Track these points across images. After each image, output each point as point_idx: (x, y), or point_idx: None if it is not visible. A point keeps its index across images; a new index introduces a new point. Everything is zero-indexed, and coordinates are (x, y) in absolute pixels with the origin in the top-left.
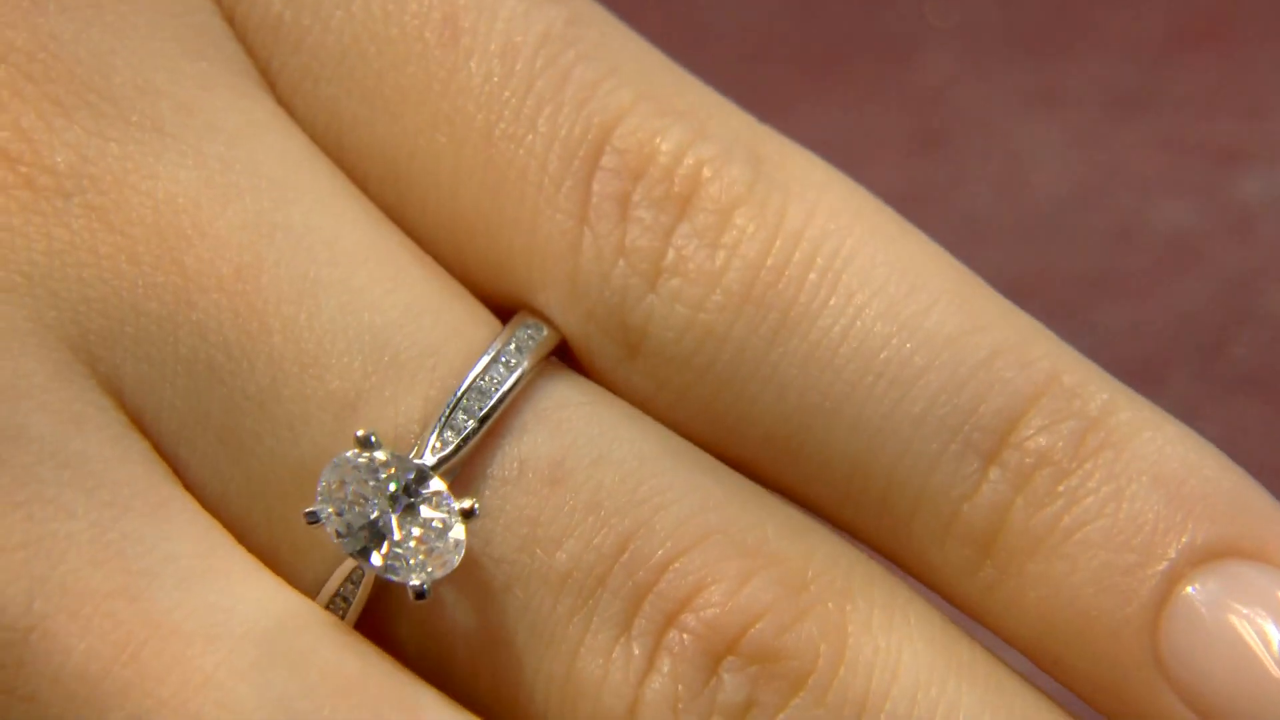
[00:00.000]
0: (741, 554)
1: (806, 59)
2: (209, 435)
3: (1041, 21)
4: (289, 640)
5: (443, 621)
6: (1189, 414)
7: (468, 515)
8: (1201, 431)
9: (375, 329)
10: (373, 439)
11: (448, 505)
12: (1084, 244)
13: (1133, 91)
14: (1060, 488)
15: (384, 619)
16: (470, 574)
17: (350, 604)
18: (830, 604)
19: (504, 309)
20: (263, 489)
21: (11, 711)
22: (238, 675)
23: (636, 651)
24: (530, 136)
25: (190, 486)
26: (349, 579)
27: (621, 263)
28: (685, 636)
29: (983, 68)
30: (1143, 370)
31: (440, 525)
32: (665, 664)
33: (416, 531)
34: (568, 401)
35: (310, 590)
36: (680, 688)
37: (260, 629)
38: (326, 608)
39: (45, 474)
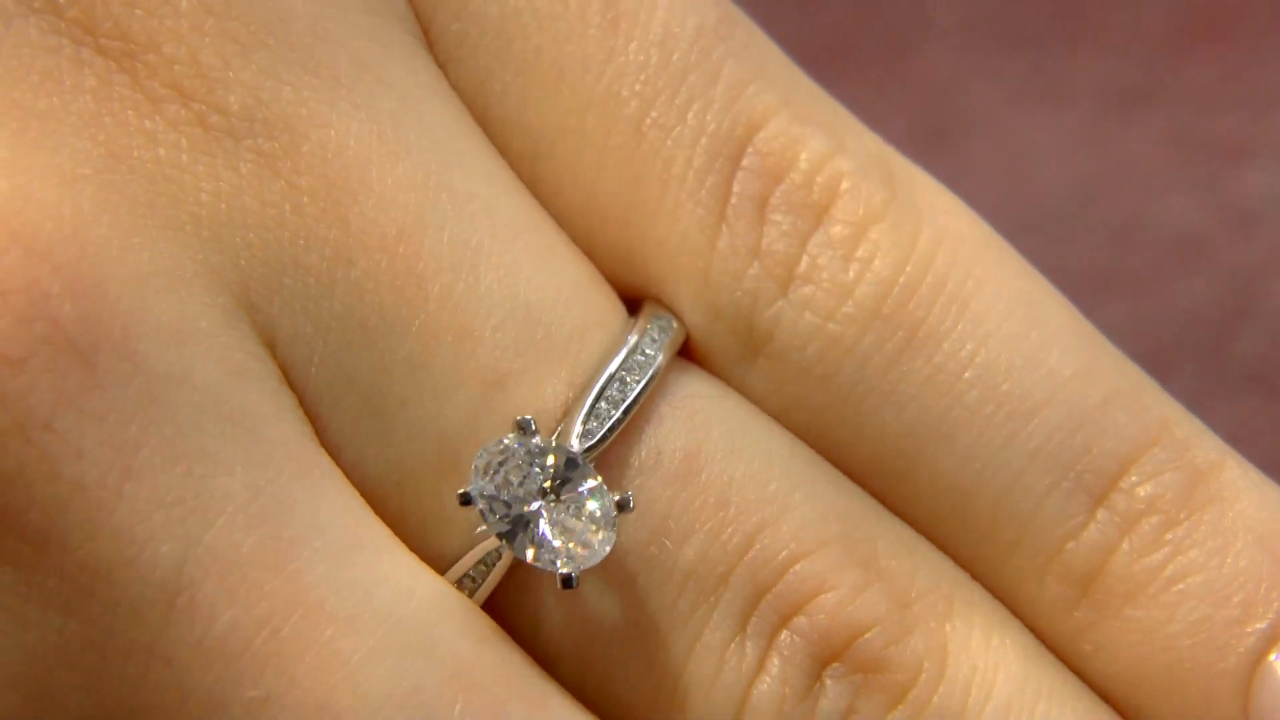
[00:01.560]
0: (857, 564)
1: (808, 53)
2: (354, 397)
3: (1044, 17)
4: (427, 629)
5: (561, 610)
6: (1193, 410)
7: (621, 507)
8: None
9: (529, 306)
10: (532, 424)
11: (602, 495)
12: (1087, 240)
13: (1136, 87)
14: (1167, 536)
15: (502, 603)
16: (600, 563)
17: (479, 585)
18: (934, 622)
19: (625, 297)
20: (401, 457)
21: (148, 671)
22: (373, 661)
23: (750, 651)
24: (679, 129)
25: (327, 448)
26: (482, 561)
27: (756, 264)
28: (796, 639)
29: (985, 63)
30: (1147, 367)
31: (593, 515)
32: (775, 665)
33: (569, 521)
34: (699, 394)
35: (438, 564)
36: (787, 690)
37: (399, 614)
38: (455, 585)
39: (207, 426)
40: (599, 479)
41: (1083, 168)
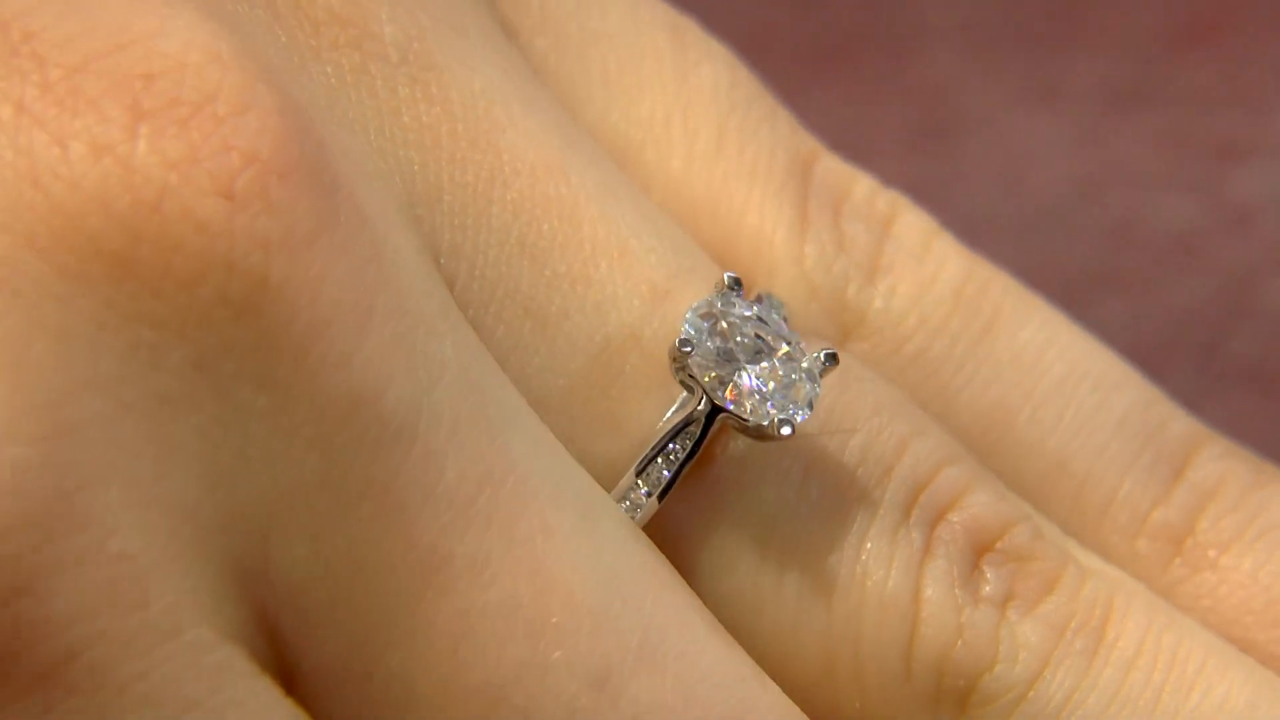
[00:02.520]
0: (991, 481)
1: (808, 53)
2: (516, 309)
3: (1042, 18)
4: (614, 530)
5: (743, 499)
6: (1189, 409)
7: (830, 361)
8: None
9: (673, 238)
10: (739, 284)
11: (807, 352)
12: (1084, 240)
13: (1133, 88)
14: (1253, 497)
15: (669, 514)
16: (774, 450)
17: (639, 508)
18: (1059, 537)
19: None
20: (565, 365)
21: (382, 516)
22: (579, 537)
23: (916, 538)
24: (754, 143)
25: None
26: (637, 484)
27: (843, 256)
28: (956, 528)
29: (984, 64)
30: (1143, 365)
31: (801, 367)
32: (940, 550)
33: (777, 368)
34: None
35: (602, 474)
36: (955, 571)
37: (595, 505)
38: (632, 487)
39: (420, 294)
40: (801, 339)
41: (1080, 168)
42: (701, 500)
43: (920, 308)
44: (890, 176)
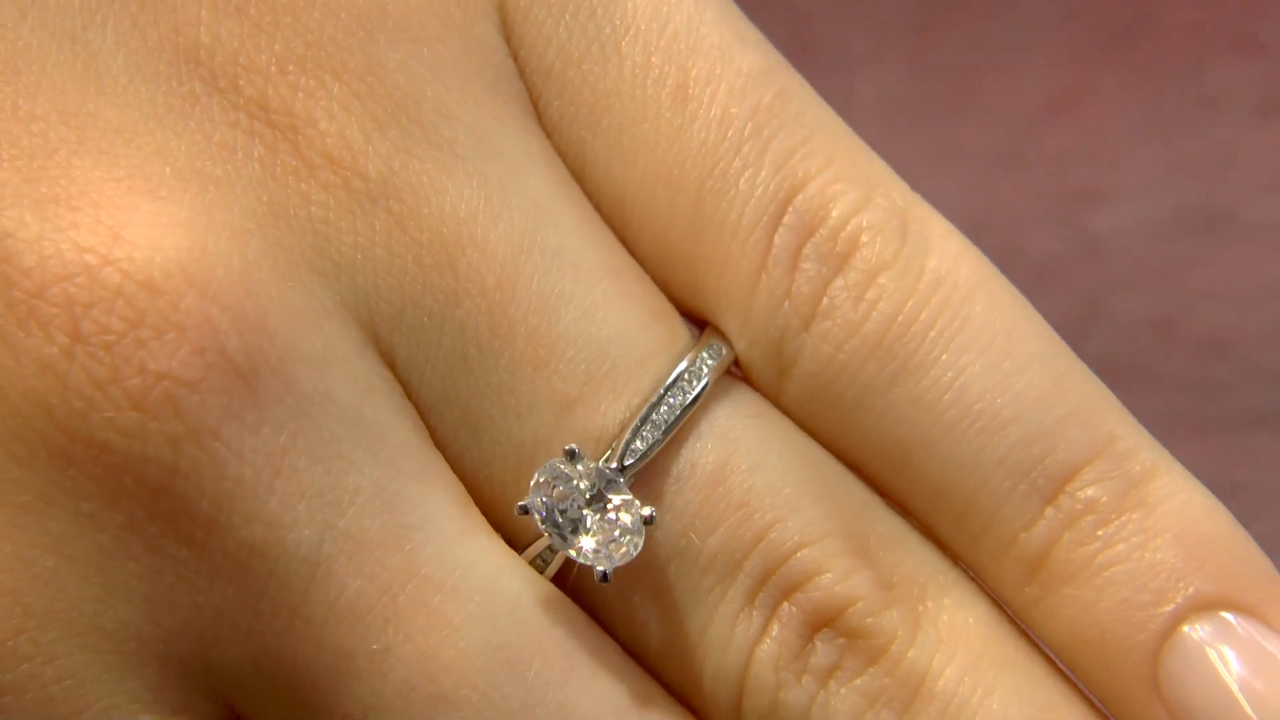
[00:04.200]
0: (851, 554)
1: None
2: (455, 412)
3: (942, 92)
4: (513, 598)
5: (611, 588)
6: None
7: (648, 521)
8: None
9: (601, 342)
10: (576, 451)
11: (633, 509)
12: None
13: (1011, 148)
14: (1100, 532)
15: (567, 576)
16: (644, 550)
17: (548, 564)
18: (910, 602)
19: (696, 320)
20: (490, 460)
21: (292, 627)
22: (471, 623)
23: (755, 618)
24: (732, 192)
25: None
26: (549, 547)
27: (787, 304)
28: (794, 609)
29: (897, 130)
30: None
31: (625, 524)
32: (775, 629)
33: (606, 528)
34: (736, 414)
35: (516, 547)
36: (783, 649)
37: (492, 586)
38: (531, 562)
39: (343, 434)
40: (630, 495)
41: (970, 210)
42: (588, 578)
43: (842, 355)
44: None
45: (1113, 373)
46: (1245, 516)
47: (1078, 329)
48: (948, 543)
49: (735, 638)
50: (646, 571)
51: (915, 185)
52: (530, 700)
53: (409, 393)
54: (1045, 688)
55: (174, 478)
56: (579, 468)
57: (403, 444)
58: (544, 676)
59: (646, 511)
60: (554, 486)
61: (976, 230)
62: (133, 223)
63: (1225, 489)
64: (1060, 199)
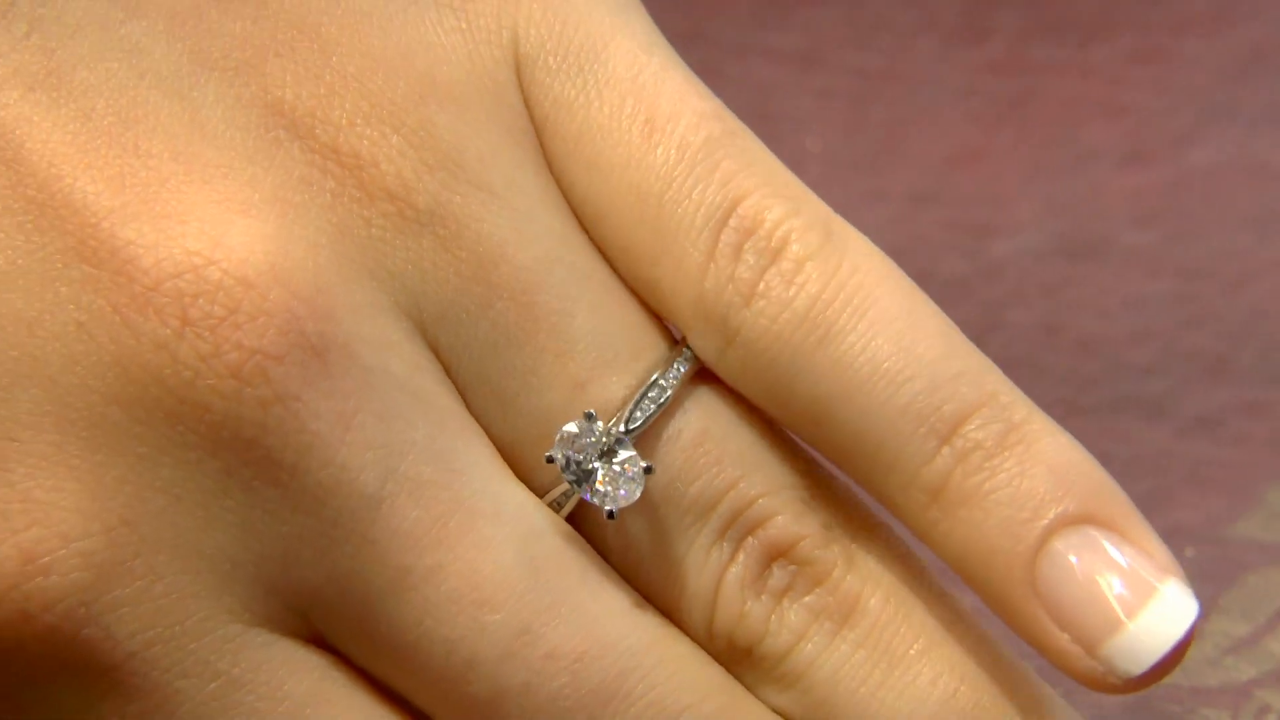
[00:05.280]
0: (799, 502)
1: None
2: (487, 390)
3: (873, 146)
4: (538, 525)
5: (613, 525)
6: None
7: (647, 472)
8: None
9: (608, 335)
10: (593, 415)
11: (635, 463)
12: None
13: (928, 190)
14: (986, 464)
15: (578, 517)
16: (637, 501)
17: (563, 507)
18: (845, 542)
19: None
20: (515, 428)
21: (362, 551)
22: (507, 543)
23: (725, 550)
24: (687, 201)
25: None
26: (565, 493)
27: (730, 287)
28: (755, 543)
29: (838, 176)
30: None
31: (629, 475)
32: (740, 558)
33: (614, 476)
34: (713, 394)
35: (538, 494)
36: (746, 573)
37: (521, 516)
38: (549, 505)
39: (399, 400)
40: (634, 452)
41: (896, 240)
42: (595, 518)
43: (776, 326)
44: None
45: (1007, 368)
46: (1115, 481)
47: (980, 335)
48: (864, 480)
49: (709, 564)
50: (642, 511)
51: (851, 219)
52: (554, 601)
53: (449, 374)
54: (950, 608)
55: (263, 432)
56: (595, 429)
57: (446, 409)
58: (564, 583)
59: (645, 465)
60: (574, 442)
61: (899, 255)
62: (230, 234)
63: (1098, 459)
64: (966, 230)
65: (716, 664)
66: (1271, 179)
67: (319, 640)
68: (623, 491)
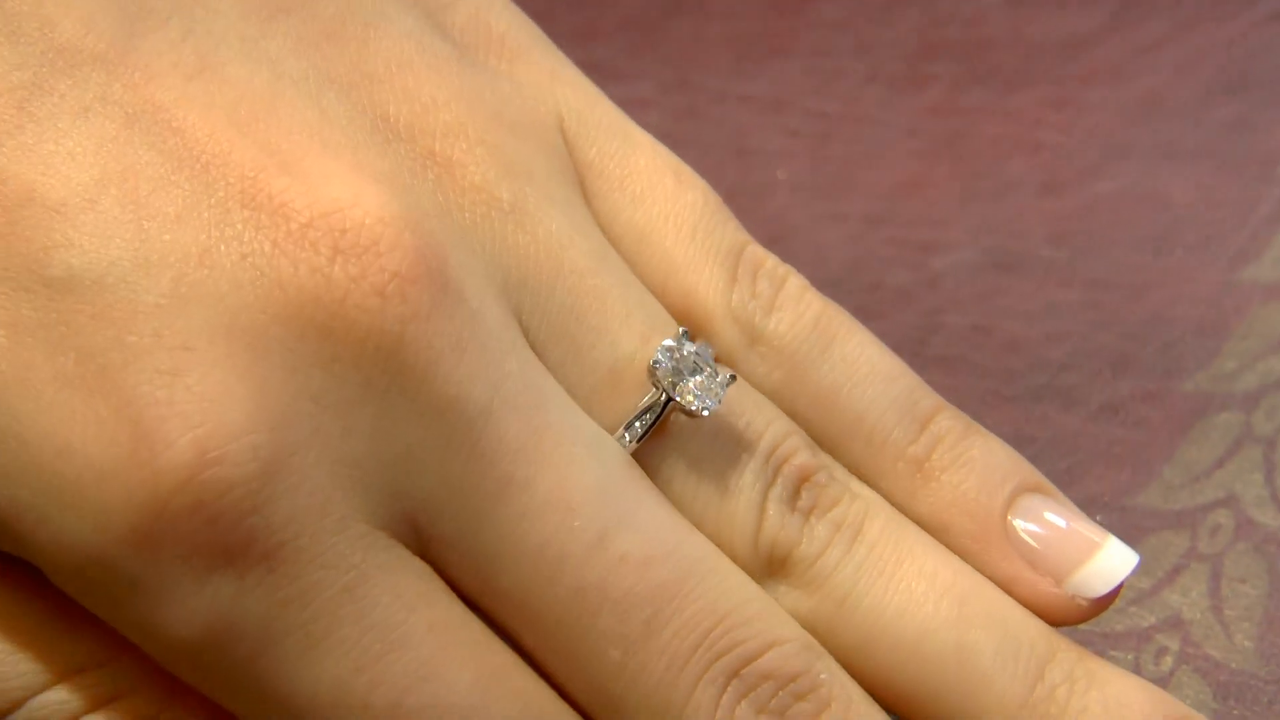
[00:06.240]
0: (811, 449)
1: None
2: (565, 343)
3: (834, 177)
4: (612, 451)
5: (677, 452)
6: None
7: (731, 379)
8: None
9: (655, 310)
10: (686, 331)
11: (721, 372)
12: (853, 299)
13: (878, 213)
14: (959, 444)
15: (640, 455)
16: (699, 423)
17: (636, 439)
18: (847, 480)
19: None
20: (592, 371)
21: (471, 460)
22: (588, 459)
23: (768, 473)
24: (714, 235)
25: None
26: (630, 425)
27: (753, 301)
28: (788, 470)
29: (802, 201)
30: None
31: (717, 381)
32: (778, 480)
33: (705, 382)
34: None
35: (608, 426)
36: (784, 492)
37: (599, 440)
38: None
39: (495, 337)
40: (716, 366)
41: (851, 256)
42: (660, 445)
43: (793, 330)
44: None
45: (946, 364)
46: (1036, 460)
47: (923, 336)
48: (859, 455)
49: (758, 484)
50: (701, 437)
51: (814, 237)
52: (625, 513)
53: (529, 336)
54: (924, 536)
55: (400, 345)
56: (686, 345)
57: (530, 355)
58: (632, 501)
59: (729, 373)
60: (673, 352)
61: (855, 268)
62: (365, 191)
63: (1023, 441)
64: (910, 247)
65: (754, 581)
66: (1164, 206)
67: (424, 555)
68: (712, 394)
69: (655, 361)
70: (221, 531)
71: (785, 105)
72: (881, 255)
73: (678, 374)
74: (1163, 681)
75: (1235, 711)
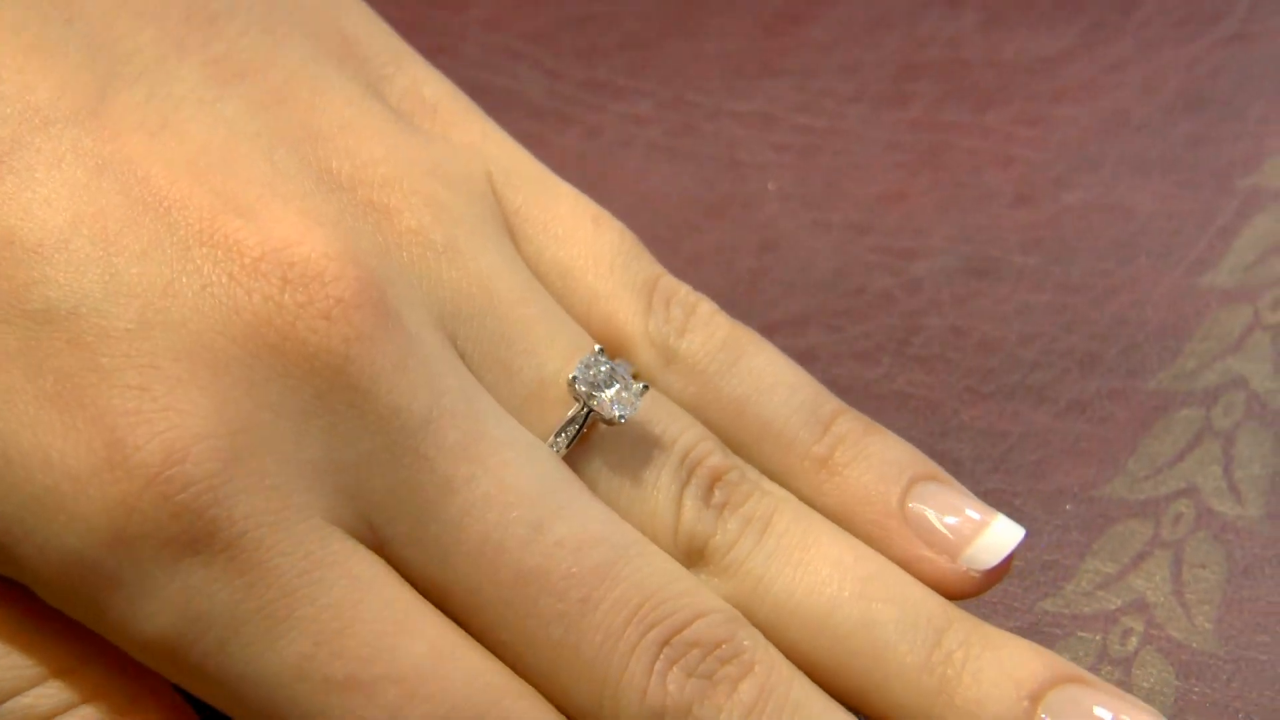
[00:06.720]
0: (724, 453)
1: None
2: (497, 366)
3: (820, 187)
4: (546, 455)
5: (601, 455)
6: (888, 382)
7: (644, 389)
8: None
9: (576, 333)
10: (602, 349)
11: (635, 384)
12: (840, 300)
13: (862, 223)
14: (860, 442)
15: (570, 460)
16: (619, 430)
17: (564, 446)
18: (757, 479)
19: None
20: (517, 392)
21: (415, 463)
22: (524, 463)
23: (682, 474)
24: (629, 269)
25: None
26: (558, 434)
27: (667, 325)
28: (702, 471)
29: (791, 210)
30: (868, 359)
31: (632, 392)
32: (694, 480)
33: (620, 395)
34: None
35: (540, 435)
36: (699, 490)
37: (534, 444)
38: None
39: (435, 357)
40: (631, 378)
41: (836, 263)
42: (586, 451)
43: (705, 349)
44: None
45: (925, 363)
46: (1010, 452)
47: (903, 337)
48: (768, 457)
49: (674, 484)
50: (623, 442)
51: (802, 245)
52: (559, 506)
53: (464, 359)
54: (831, 526)
55: (345, 362)
56: (602, 360)
57: (468, 374)
58: (564, 495)
59: (643, 385)
60: (589, 368)
61: (841, 273)
62: (312, 231)
63: (996, 436)
64: (892, 254)
65: (678, 563)
66: (1129, 216)
67: (381, 553)
68: (626, 409)
69: (573, 377)
70: (187, 523)
71: (775, 121)
72: (866, 261)
73: (594, 386)
74: (1128, 661)
75: (1196, 689)
